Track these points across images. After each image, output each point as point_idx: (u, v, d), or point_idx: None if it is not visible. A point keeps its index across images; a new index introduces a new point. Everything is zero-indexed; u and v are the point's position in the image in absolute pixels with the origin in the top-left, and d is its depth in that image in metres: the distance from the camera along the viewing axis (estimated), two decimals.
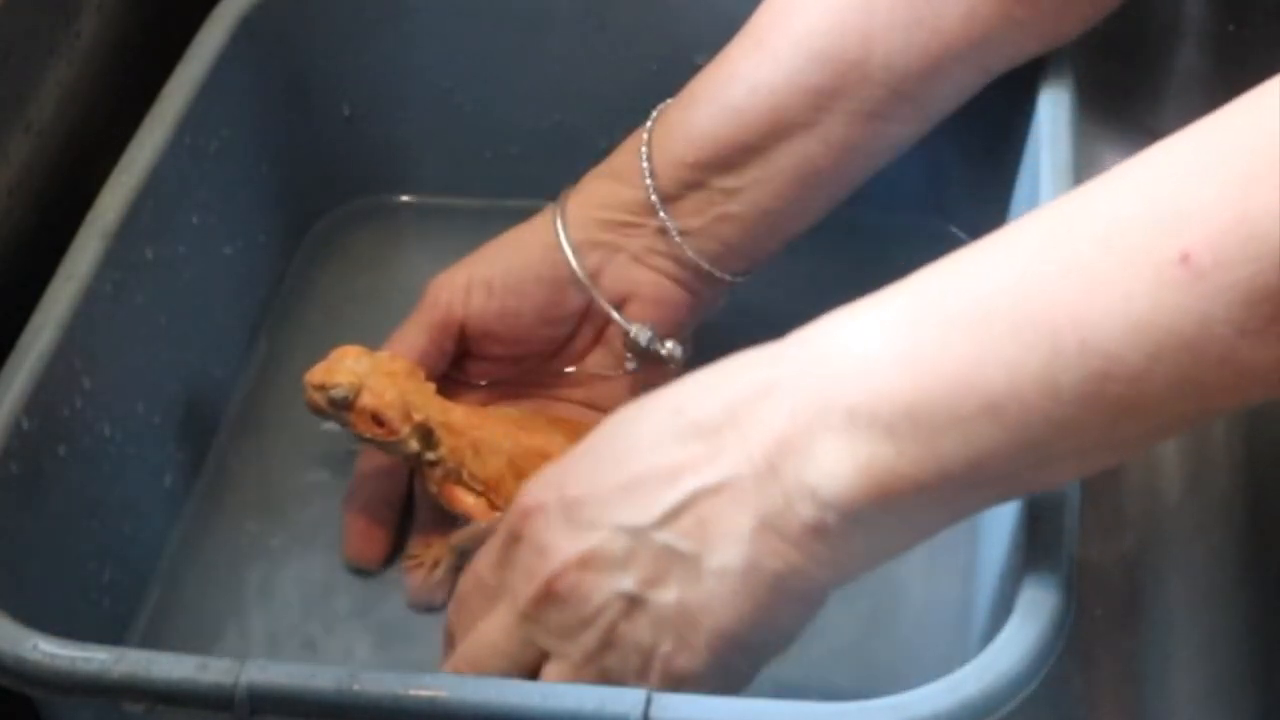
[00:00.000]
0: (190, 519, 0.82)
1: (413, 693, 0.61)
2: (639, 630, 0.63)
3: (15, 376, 0.70)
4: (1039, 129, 0.77)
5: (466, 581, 0.69)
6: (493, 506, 0.77)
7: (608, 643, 0.63)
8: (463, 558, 0.78)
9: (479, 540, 0.77)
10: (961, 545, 0.77)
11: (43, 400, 0.70)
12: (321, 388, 0.76)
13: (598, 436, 0.65)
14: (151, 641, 0.77)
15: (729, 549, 0.61)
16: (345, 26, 0.91)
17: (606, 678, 0.64)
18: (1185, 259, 0.52)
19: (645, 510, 0.62)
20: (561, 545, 0.63)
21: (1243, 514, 0.86)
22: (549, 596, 0.64)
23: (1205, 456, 0.88)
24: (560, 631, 0.64)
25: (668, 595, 0.62)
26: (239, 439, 0.86)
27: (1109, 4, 0.79)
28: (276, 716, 0.61)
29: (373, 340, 0.82)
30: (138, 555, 0.79)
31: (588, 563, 0.63)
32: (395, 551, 0.80)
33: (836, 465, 0.59)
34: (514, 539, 0.66)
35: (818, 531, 0.60)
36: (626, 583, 0.62)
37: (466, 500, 0.77)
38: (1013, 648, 0.59)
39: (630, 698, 0.59)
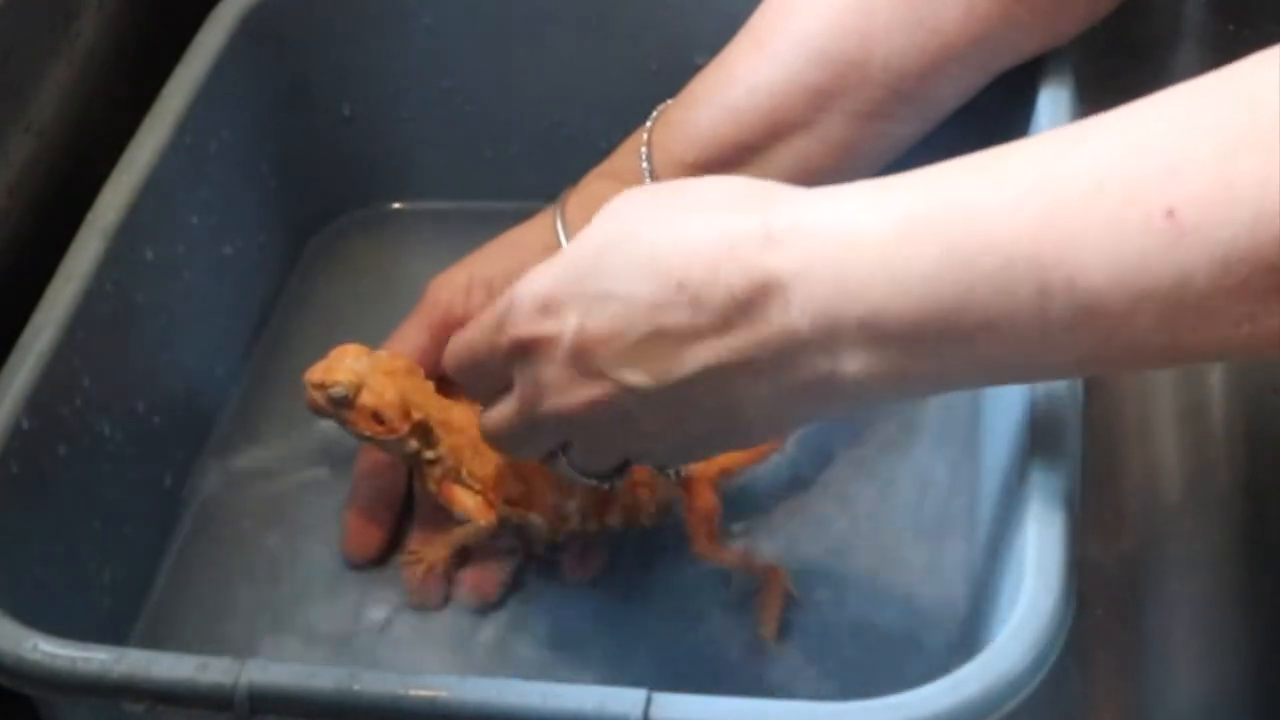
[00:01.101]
0: (190, 519, 0.82)
1: (413, 693, 0.61)
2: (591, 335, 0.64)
3: (15, 376, 0.70)
4: (1039, 129, 0.77)
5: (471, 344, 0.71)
6: (491, 505, 0.77)
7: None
8: (461, 556, 0.78)
9: (478, 540, 0.77)
10: (961, 543, 0.78)
11: (43, 400, 0.71)
12: (321, 386, 0.76)
13: (598, 258, 0.65)
14: (151, 641, 0.77)
15: (747, 407, 0.63)
16: (345, 26, 0.91)
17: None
18: (1171, 214, 0.54)
19: (654, 374, 0.63)
20: (571, 394, 0.65)
21: (1243, 514, 0.86)
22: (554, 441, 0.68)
23: (1205, 456, 0.88)
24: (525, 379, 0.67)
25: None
26: (239, 439, 0.86)
27: (1108, 4, 0.79)
28: (276, 716, 0.61)
29: (373, 340, 0.82)
30: (138, 555, 0.79)
31: (595, 410, 0.65)
32: (394, 549, 0.80)
33: (859, 371, 0.61)
34: (519, 354, 0.67)
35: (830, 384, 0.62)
36: (635, 429, 0.65)
37: (465, 499, 0.77)
38: (1013, 648, 0.59)
39: (630, 697, 0.59)
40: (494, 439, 0.72)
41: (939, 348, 0.60)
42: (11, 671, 0.63)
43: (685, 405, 0.64)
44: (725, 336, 0.62)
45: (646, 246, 0.63)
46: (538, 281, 0.66)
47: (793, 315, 0.60)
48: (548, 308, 0.65)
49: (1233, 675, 0.81)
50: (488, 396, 0.71)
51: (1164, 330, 0.56)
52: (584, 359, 0.64)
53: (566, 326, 0.64)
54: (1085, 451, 0.67)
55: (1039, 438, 0.66)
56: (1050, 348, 0.59)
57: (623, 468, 0.71)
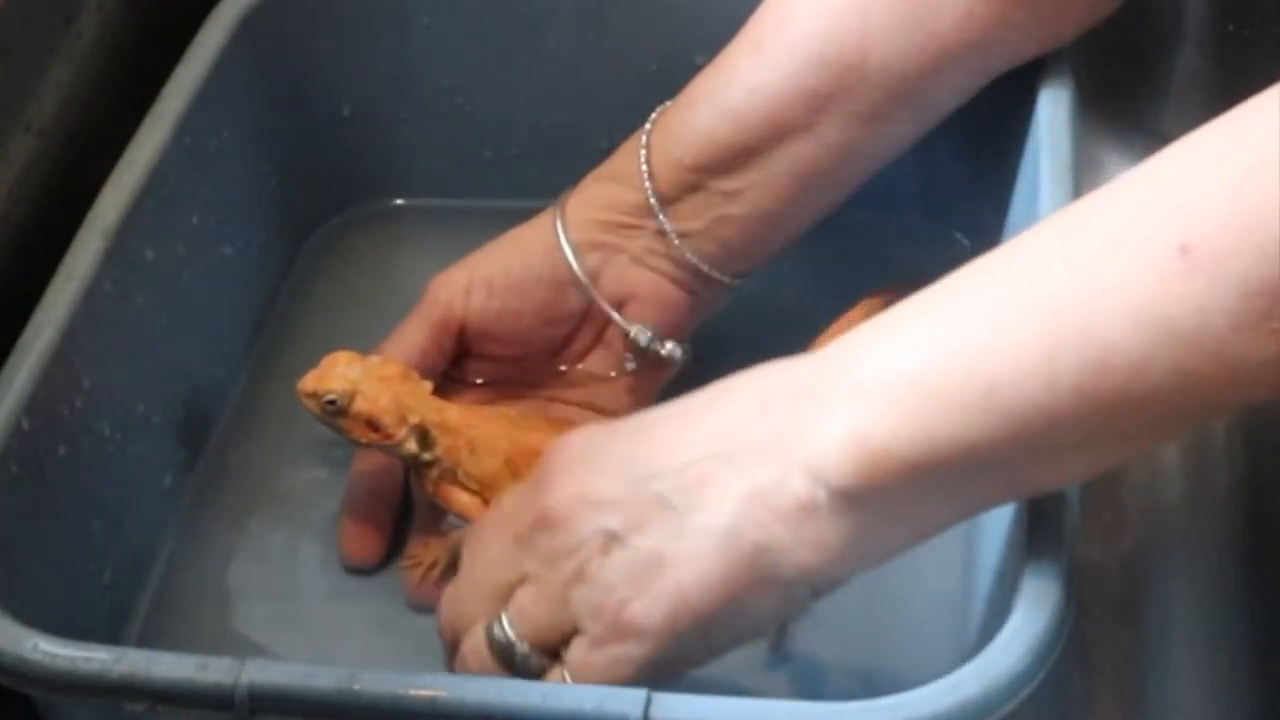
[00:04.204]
0: (190, 519, 0.82)
1: (413, 693, 0.61)
2: (610, 569, 0.63)
3: (15, 376, 0.70)
4: (1039, 129, 0.77)
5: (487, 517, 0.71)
6: (488, 505, 0.77)
7: (579, 576, 0.64)
8: (460, 557, 0.78)
9: None
10: (961, 544, 0.77)
11: (43, 400, 0.70)
12: (314, 395, 0.76)
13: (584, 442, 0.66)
14: (151, 641, 0.77)
15: (716, 510, 0.61)
16: (345, 26, 0.91)
17: (567, 610, 0.64)
18: (1185, 250, 0.53)
19: (649, 463, 0.63)
20: (567, 483, 0.65)
21: (1243, 514, 0.86)
22: (543, 522, 0.65)
23: (1205, 456, 0.88)
24: (545, 558, 0.65)
25: (645, 541, 0.62)
26: (238, 439, 0.86)
27: (1107, 6, 0.79)
28: (276, 716, 0.61)
29: (373, 339, 0.82)
30: (138, 555, 0.79)
31: (584, 496, 0.64)
32: (393, 550, 0.80)
33: (831, 436, 0.59)
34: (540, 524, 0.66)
35: (807, 509, 0.60)
36: (613, 521, 0.63)
37: (463, 499, 0.77)
38: (1013, 648, 0.59)
39: (630, 697, 0.59)
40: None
41: (928, 419, 0.58)
42: (11, 671, 0.63)
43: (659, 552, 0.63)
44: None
45: (618, 441, 0.65)
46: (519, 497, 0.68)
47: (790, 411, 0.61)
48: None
49: (1233, 675, 0.81)
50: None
51: (1187, 386, 0.55)
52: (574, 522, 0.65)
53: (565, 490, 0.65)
54: None
55: None
56: (1052, 423, 0.57)
57: None
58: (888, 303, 0.82)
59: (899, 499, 0.59)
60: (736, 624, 0.63)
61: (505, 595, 0.66)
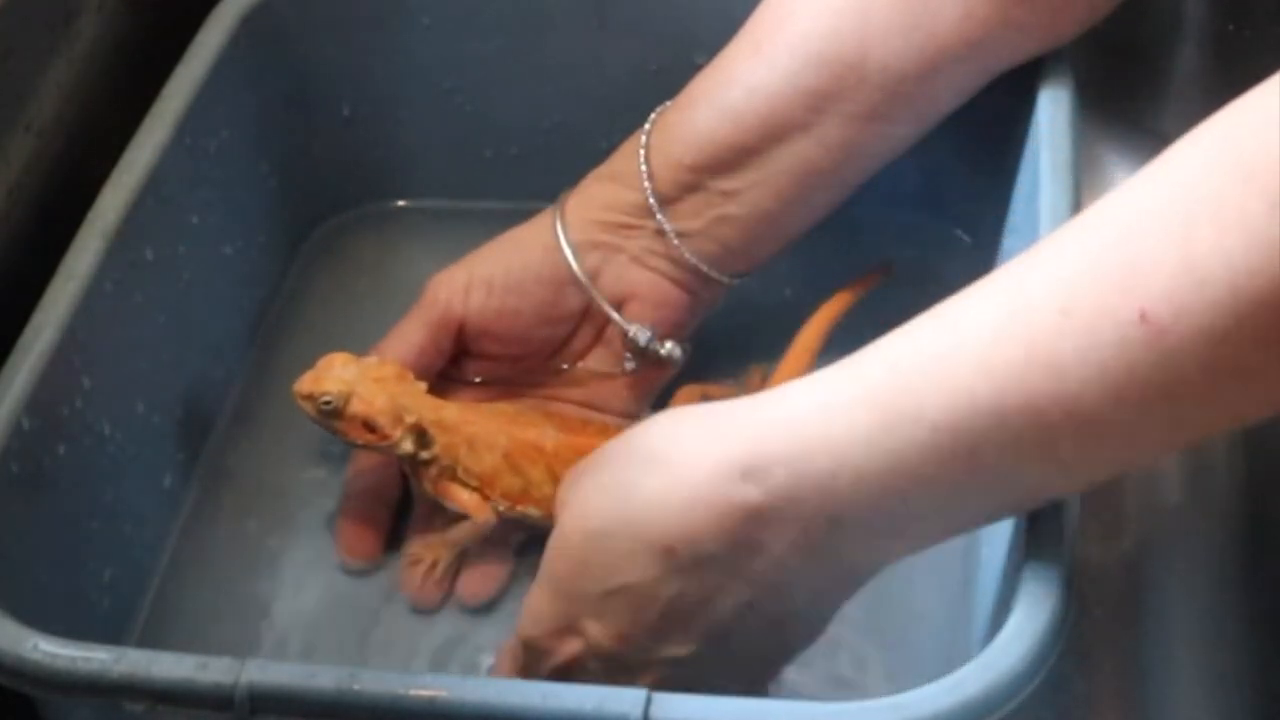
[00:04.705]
0: (190, 519, 0.82)
1: (413, 693, 0.61)
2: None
3: (15, 376, 0.70)
4: (1039, 129, 0.77)
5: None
6: (488, 501, 0.77)
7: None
8: (460, 556, 0.78)
9: (476, 538, 0.77)
10: (961, 544, 0.77)
11: (43, 400, 0.70)
12: (310, 397, 0.76)
13: (584, 564, 0.65)
14: (151, 641, 0.77)
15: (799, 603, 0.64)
16: (345, 27, 0.91)
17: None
18: (1144, 317, 0.53)
19: (693, 637, 0.64)
20: (632, 679, 0.65)
21: (1243, 514, 0.86)
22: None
23: (1205, 456, 0.88)
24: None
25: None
26: (238, 439, 0.86)
27: (1107, 6, 0.79)
28: (276, 716, 0.61)
29: (373, 341, 0.82)
30: (138, 555, 0.79)
31: (663, 679, 0.65)
32: (391, 549, 0.80)
33: (879, 550, 0.62)
34: (561, 678, 0.67)
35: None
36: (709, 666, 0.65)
37: (462, 496, 0.77)
38: (1013, 648, 0.59)
39: (630, 697, 0.59)
40: None
41: (956, 514, 0.60)
42: (11, 671, 0.63)
43: (738, 637, 0.64)
44: (739, 578, 0.62)
45: (621, 528, 0.63)
46: (537, 612, 0.67)
47: (791, 532, 0.61)
48: (561, 631, 0.66)
49: (1233, 675, 0.81)
50: None
51: (1177, 431, 0.56)
52: (621, 657, 0.65)
53: (590, 636, 0.65)
54: None
55: None
56: (1063, 474, 0.58)
57: None
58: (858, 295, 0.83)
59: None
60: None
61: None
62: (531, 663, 0.68)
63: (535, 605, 0.67)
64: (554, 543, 0.67)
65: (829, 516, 0.60)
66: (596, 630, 0.65)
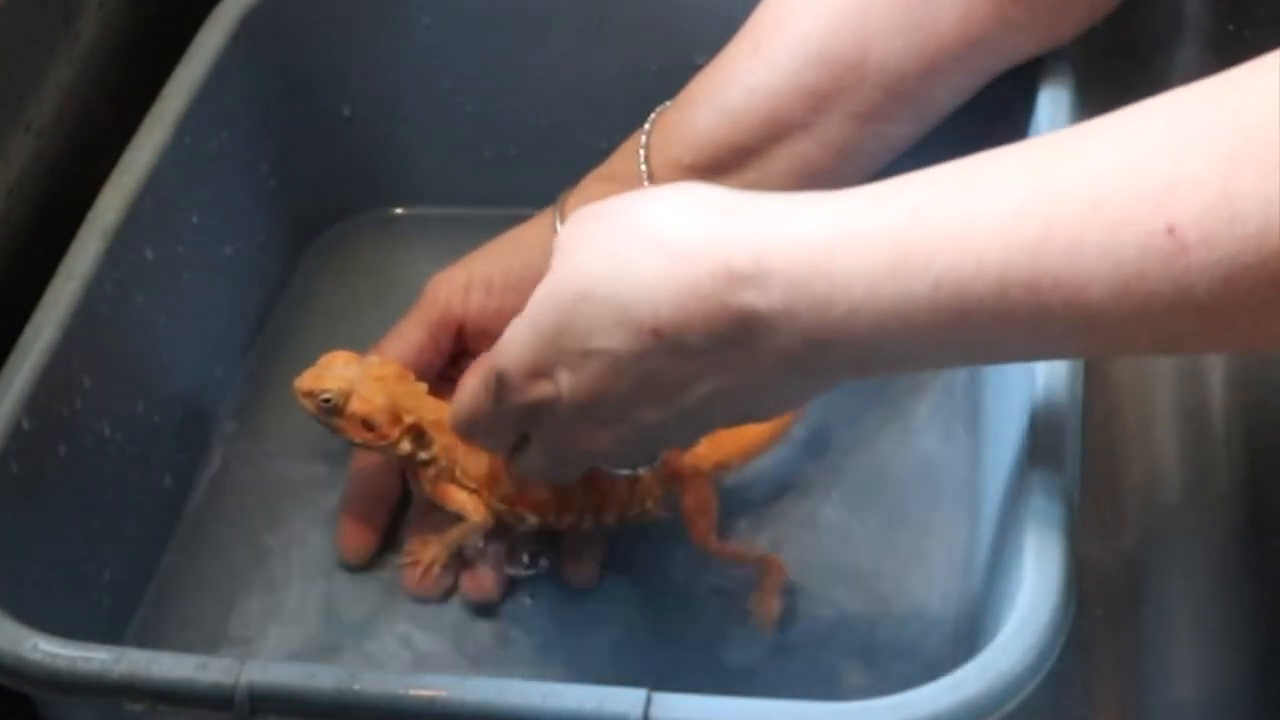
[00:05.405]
0: (190, 519, 0.82)
1: (413, 693, 0.61)
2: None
3: (15, 376, 0.70)
4: (1039, 129, 0.77)
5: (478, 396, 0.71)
6: (485, 503, 0.77)
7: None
8: (458, 555, 0.78)
9: (474, 538, 0.77)
10: (961, 543, 0.78)
11: (43, 400, 0.71)
12: (311, 394, 0.76)
13: (569, 315, 0.65)
14: (151, 641, 0.76)
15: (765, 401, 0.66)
16: (345, 26, 0.91)
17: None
18: (1171, 231, 0.54)
19: (662, 409, 0.65)
20: (591, 438, 0.67)
21: (1243, 514, 0.86)
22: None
23: (1205, 456, 0.88)
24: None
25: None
26: (238, 438, 0.86)
27: (1107, 5, 0.79)
28: (276, 716, 0.61)
29: (373, 341, 0.82)
30: (138, 555, 0.79)
31: (619, 442, 0.67)
32: (390, 549, 0.80)
33: (862, 370, 0.62)
34: (525, 416, 0.68)
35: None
36: (661, 437, 0.68)
37: (460, 498, 0.77)
38: (1013, 648, 0.59)
39: (630, 697, 0.59)
40: (529, 479, 0.75)
41: (937, 357, 0.62)
42: (11, 671, 0.63)
43: (704, 414, 0.65)
44: (719, 369, 0.63)
45: (612, 298, 0.63)
46: (517, 349, 0.67)
47: (780, 343, 0.61)
48: (536, 372, 0.66)
49: (1233, 675, 0.81)
50: (509, 449, 0.73)
51: (1163, 339, 0.57)
52: (590, 411, 0.66)
53: (561, 385, 0.66)
54: (1085, 451, 0.67)
55: (1039, 438, 0.66)
56: (1045, 352, 0.61)
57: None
58: None
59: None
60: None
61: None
62: (502, 394, 0.68)
63: (516, 341, 0.67)
64: (545, 287, 0.66)
65: (816, 340, 0.60)
66: (569, 382, 0.65)
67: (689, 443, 0.73)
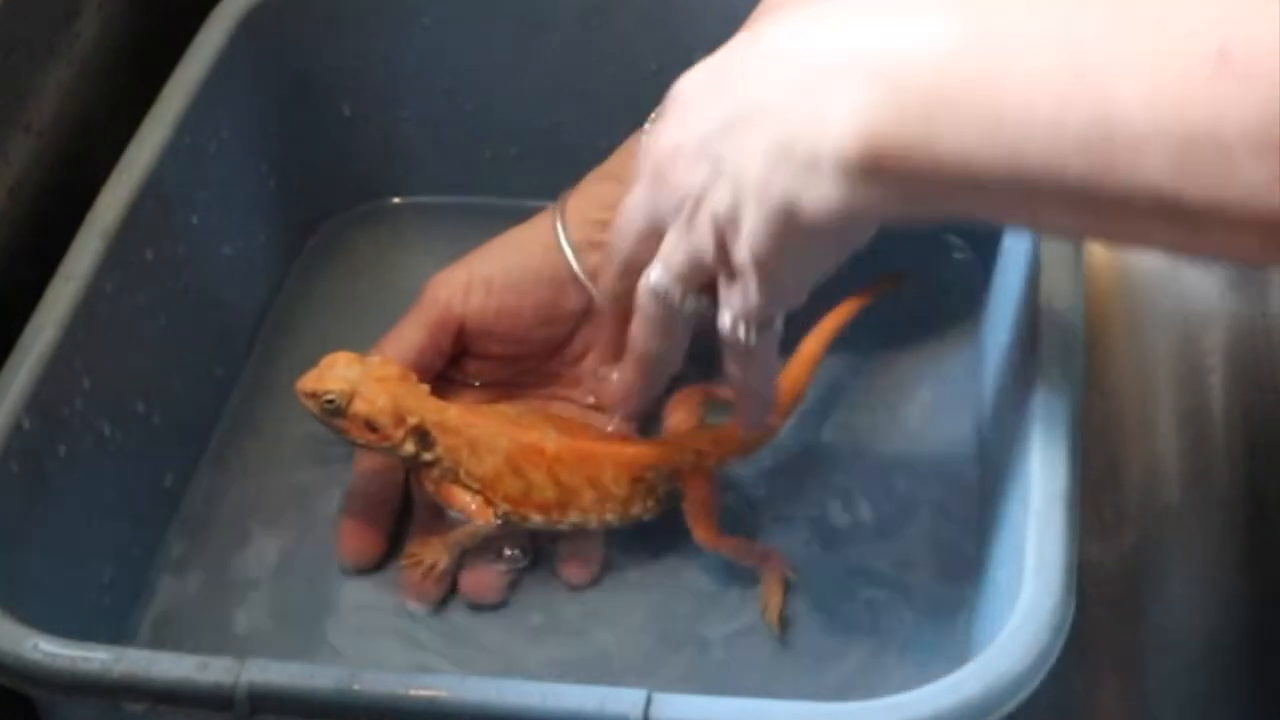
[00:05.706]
0: (190, 519, 0.82)
1: (413, 693, 0.61)
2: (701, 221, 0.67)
3: (15, 376, 0.70)
4: None
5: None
6: (489, 504, 0.77)
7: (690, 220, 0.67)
8: (461, 557, 0.78)
9: (477, 539, 0.77)
10: (962, 544, 0.78)
11: (43, 400, 0.71)
12: (313, 396, 0.76)
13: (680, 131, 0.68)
14: (151, 641, 0.77)
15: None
16: (345, 26, 0.91)
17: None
18: (1223, 54, 0.53)
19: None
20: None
21: (1243, 514, 0.86)
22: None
23: (1205, 456, 0.88)
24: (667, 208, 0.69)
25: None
26: (239, 439, 0.86)
27: None
28: (276, 716, 0.61)
29: (374, 341, 0.82)
30: (138, 555, 0.79)
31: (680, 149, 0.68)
32: (392, 550, 0.80)
33: (838, 123, 0.60)
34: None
35: (813, 169, 0.62)
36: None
37: (464, 499, 0.77)
38: (1013, 648, 0.60)
39: (630, 697, 0.59)
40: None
41: (936, 126, 0.59)
42: (11, 671, 0.63)
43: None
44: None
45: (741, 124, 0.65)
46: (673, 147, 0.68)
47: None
48: (694, 160, 0.67)
49: (1233, 675, 0.81)
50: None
51: (1170, 174, 0.55)
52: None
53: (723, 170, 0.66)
54: (1085, 451, 0.67)
55: (1039, 438, 0.66)
56: (1045, 168, 0.57)
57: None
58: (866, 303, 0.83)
59: (894, 190, 0.61)
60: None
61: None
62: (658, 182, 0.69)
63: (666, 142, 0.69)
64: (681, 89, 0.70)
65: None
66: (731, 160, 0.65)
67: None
